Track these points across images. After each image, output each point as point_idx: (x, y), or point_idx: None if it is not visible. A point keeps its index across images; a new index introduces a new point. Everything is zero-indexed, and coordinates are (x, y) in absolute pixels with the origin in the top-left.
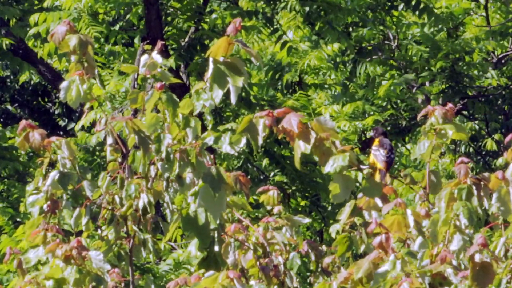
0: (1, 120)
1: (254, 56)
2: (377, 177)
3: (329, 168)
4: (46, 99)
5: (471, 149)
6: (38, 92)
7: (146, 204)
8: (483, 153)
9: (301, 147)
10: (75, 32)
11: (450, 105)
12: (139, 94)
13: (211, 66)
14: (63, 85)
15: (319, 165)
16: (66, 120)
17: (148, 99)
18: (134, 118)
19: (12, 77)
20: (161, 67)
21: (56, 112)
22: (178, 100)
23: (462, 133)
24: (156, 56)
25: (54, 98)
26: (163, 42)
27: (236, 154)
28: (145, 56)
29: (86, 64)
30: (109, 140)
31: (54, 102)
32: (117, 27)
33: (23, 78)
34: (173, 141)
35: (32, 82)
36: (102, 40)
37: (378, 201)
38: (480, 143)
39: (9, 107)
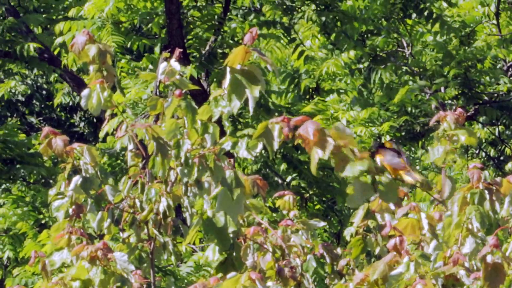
0: (26, 131)
1: (270, 64)
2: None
3: (347, 172)
4: (74, 115)
5: (492, 154)
6: (66, 108)
7: (165, 208)
8: (501, 158)
9: (318, 154)
10: (94, 42)
11: (460, 109)
12: (158, 100)
13: (228, 76)
14: (84, 93)
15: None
16: (92, 138)
17: (167, 106)
18: (154, 125)
19: (37, 94)
20: (179, 74)
21: (82, 125)
22: (196, 107)
23: (473, 137)
24: (174, 64)
25: (83, 114)
26: (181, 50)
27: (253, 158)
28: (164, 63)
29: (105, 73)
30: (130, 146)
31: (81, 117)
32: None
33: (57, 101)
34: (192, 146)
35: (64, 102)
36: (134, 52)
37: (390, 204)
38: (500, 148)
39: (33, 119)
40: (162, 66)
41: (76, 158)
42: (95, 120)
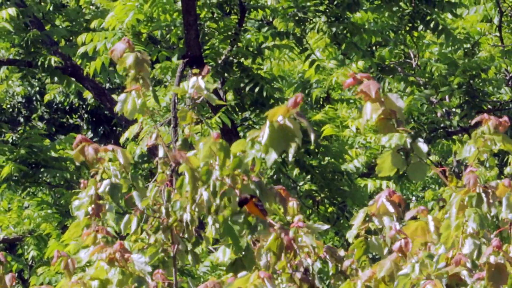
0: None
1: (308, 129)
2: None
3: (384, 141)
4: (74, 116)
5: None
6: (66, 109)
7: (188, 221)
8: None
9: (367, 114)
10: (133, 50)
11: (505, 118)
12: (188, 112)
13: (267, 129)
14: (121, 97)
15: (346, 174)
16: (92, 134)
17: (203, 144)
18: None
19: (37, 96)
20: (207, 89)
21: (83, 126)
22: (229, 149)
23: (509, 145)
24: (201, 82)
25: (83, 113)
26: (210, 67)
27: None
28: (194, 78)
29: (141, 81)
30: (160, 153)
31: (82, 117)
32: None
33: (47, 97)
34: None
35: (57, 100)
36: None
37: (389, 207)
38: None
39: (39, 123)
40: (192, 80)
41: (109, 160)
42: (94, 118)
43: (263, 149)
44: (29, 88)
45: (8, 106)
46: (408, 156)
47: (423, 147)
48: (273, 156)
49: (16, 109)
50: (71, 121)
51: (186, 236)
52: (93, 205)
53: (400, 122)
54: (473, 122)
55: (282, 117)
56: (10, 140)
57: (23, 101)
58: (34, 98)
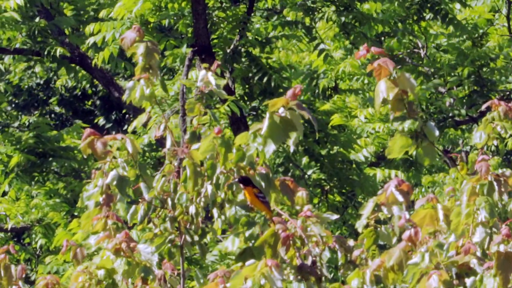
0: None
1: (311, 118)
2: None
3: (397, 124)
4: (88, 102)
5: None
6: (78, 96)
7: (193, 215)
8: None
9: (383, 93)
10: (143, 39)
11: None
12: (196, 104)
13: (267, 121)
14: (128, 85)
15: (354, 163)
16: (105, 121)
17: (204, 138)
18: (191, 149)
19: (55, 78)
20: (217, 86)
21: (97, 113)
22: (230, 143)
23: None
24: (211, 78)
25: (95, 99)
26: (219, 63)
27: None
28: (203, 72)
29: (151, 70)
30: (168, 144)
31: (95, 104)
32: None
33: (58, 83)
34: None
35: (68, 86)
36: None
37: (398, 196)
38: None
39: (57, 108)
40: (202, 74)
41: (117, 148)
42: (106, 105)
43: (262, 140)
44: (48, 71)
45: (26, 87)
46: (418, 139)
47: (434, 130)
48: (271, 147)
49: (35, 91)
50: (85, 107)
51: (192, 228)
52: (104, 196)
53: (412, 103)
54: (483, 107)
55: (282, 108)
56: (27, 123)
57: (41, 82)
58: (52, 81)
